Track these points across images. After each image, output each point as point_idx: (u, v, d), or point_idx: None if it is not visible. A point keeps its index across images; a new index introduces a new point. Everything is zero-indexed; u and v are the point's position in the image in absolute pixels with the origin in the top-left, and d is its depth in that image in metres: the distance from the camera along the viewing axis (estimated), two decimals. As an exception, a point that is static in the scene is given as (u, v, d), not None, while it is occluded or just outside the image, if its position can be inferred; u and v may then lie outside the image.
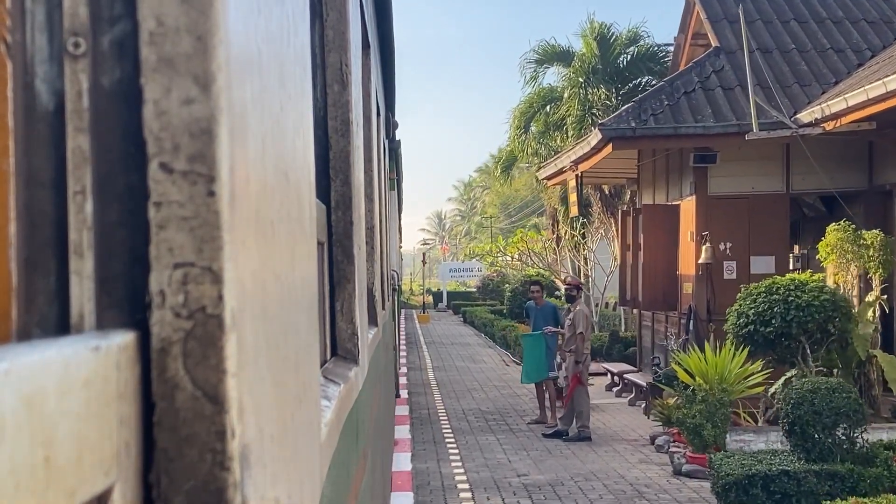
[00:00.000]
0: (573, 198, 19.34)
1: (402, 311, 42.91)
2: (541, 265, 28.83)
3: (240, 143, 0.85)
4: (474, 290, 49.50)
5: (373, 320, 4.20)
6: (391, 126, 10.90)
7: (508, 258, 33.97)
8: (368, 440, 3.63)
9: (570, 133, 25.42)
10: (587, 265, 26.87)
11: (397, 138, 13.26)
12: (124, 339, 0.73)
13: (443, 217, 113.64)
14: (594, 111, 25.05)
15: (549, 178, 20.19)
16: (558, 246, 27.97)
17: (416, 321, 41.87)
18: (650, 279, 15.38)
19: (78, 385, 0.62)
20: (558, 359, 13.15)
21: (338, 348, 2.74)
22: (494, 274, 44.30)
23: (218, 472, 0.77)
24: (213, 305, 0.77)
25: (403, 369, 19.72)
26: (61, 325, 0.76)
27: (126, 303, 0.77)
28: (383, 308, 5.94)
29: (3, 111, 0.73)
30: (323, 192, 2.72)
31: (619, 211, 19.89)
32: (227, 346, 0.78)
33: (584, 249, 26.32)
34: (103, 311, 0.77)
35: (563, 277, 11.71)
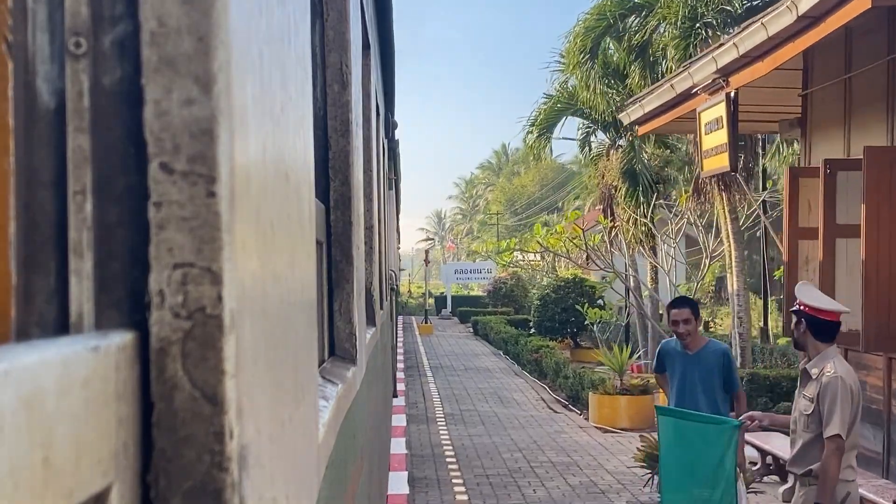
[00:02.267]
0: (713, 141, 10.34)
1: (400, 317, 37.74)
2: (593, 264, 20.00)
3: (240, 143, 0.85)
4: (484, 294, 42.11)
5: (371, 320, 4.20)
6: (390, 126, 10.90)
7: (533, 256, 27.64)
8: (366, 440, 3.62)
9: (669, 55, 16.26)
10: (655, 261, 19.05)
11: (396, 138, 13.23)
12: (123, 340, 0.73)
13: (443, 216, 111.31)
14: (707, 19, 15.61)
15: (645, 119, 12.45)
16: (613, 238, 20.07)
17: (417, 332, 34.38)
18: (878, 292, 7.62)
19: (77, 385, 0.62)
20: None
21: (336, 348, 2.74)
22: (507, 276, 37.78)
23: (216, 473, 0.77)
24: (213, 306, 0.77)
25: (402, 418, 12.72)
26: (60, 325, 0.76)
27: (125, 303, 0.77)
28: (381, 308, 5.94)
29: (4, 110, 0.73)
30: (322, 191, 2.72)
31: (786, 171, 10.09)
32: (226, 347, 0.78)
33: (661, 240, 18.79)
34: (102, 310, 0.77)
35: (797, 302, 4.86)
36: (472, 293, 50.65)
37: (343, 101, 2.86)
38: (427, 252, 46.27)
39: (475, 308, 40.54)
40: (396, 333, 22.26)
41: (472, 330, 34.91)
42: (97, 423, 0.66)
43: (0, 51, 0.72)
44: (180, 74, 0.77)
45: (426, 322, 37.02)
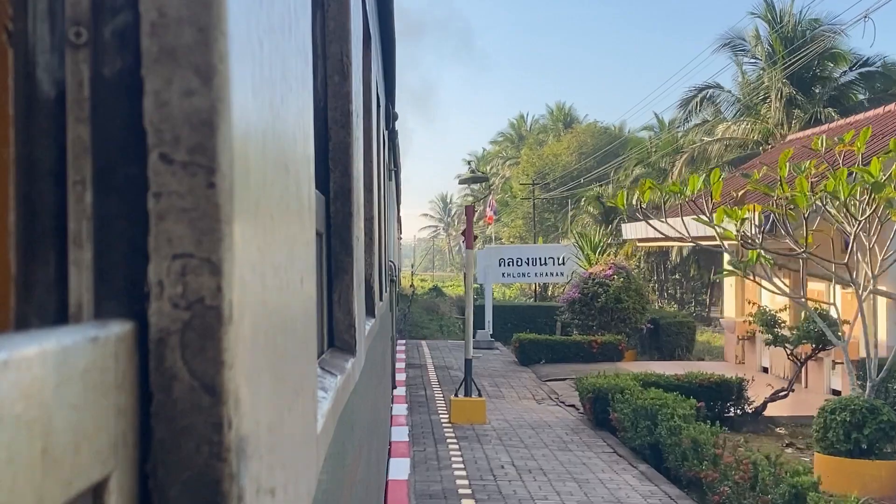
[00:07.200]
0: None
1: (404, 340, 23.45)
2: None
3: (240, 134, 0.85)
4: (560, 304, 23.43)
5: (370, 311, 4.20)
6: (390, 117, 10.89)
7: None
8: (365, 431, 3.63)
9: None
10: None
11: (396, 129, 13.21)
12: (122, 330, 0.73)
13: (448, 200, 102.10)
14: None
15: None
16: None
17: (441, 413, 14.83)
18: None
19: (76, 375, 0.63)
20: None
21: (335, 339, 2.74)
22: (608, 271, 21.36)
23: (214, 464, 0.77)
24: (212, 297, 0.77)
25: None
26: (60, 315, 0.76)
27: (124, 293, 0.77)
28: (381, 299, 5.94)
29: (4, 100, 0.73)
30: (322, 182, 2.72)
31: None
32: (225, 338, 0.78)
33: None
34: (102, 301, 0.77)
35: None
36: (515, 298, 30.03)
37: (343, 92, 2.86)
38: (470, 216, 16.03)
39: (543, 336, 21.15)
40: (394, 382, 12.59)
41: (593, 418, 14.05)
42: (96, 413, 0.66)
43: (0, 40, 0.72)
44: (180, 65, 0.77)
45: (468, 389, 14.67)
